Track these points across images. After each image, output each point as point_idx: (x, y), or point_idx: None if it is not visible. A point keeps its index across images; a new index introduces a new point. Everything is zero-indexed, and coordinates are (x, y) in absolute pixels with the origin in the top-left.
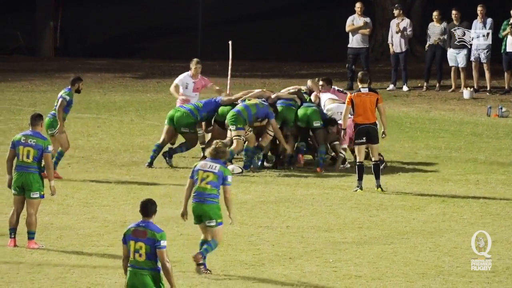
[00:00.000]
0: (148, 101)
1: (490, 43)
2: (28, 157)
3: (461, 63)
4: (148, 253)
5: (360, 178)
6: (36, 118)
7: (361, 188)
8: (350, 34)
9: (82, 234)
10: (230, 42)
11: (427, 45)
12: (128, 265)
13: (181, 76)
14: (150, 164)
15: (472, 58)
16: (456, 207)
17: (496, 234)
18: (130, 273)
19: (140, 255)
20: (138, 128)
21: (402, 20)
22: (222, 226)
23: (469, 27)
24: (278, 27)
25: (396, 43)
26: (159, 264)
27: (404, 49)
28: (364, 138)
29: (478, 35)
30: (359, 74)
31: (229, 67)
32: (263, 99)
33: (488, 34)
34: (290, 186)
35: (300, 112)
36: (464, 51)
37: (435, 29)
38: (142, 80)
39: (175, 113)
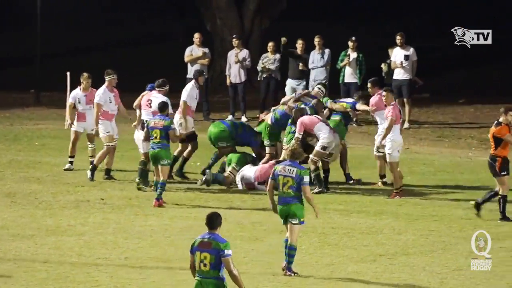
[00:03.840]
0: None
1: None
2: None
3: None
4: (213, 263)
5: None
6: None
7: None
8: (189, 65)
9: None
10: (68, 73)
11: (259, 76)
12: (196, 274)
13: (72, 94)
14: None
15: (310, 89)
16: None
17: (334, 265)
18: (197, 282)
19: (205, 265)
20: None
21: (241, 50)
22: (303, 225)
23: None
24: (116, 59)
25: (235, 74)
26: (223, 273)
27: (243, 80)
28: None
29: (316, 66)
30: None
31: (68, 98)
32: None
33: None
34: (128, 217)
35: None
36: (304, 82)
37: (268, 60)
38: None
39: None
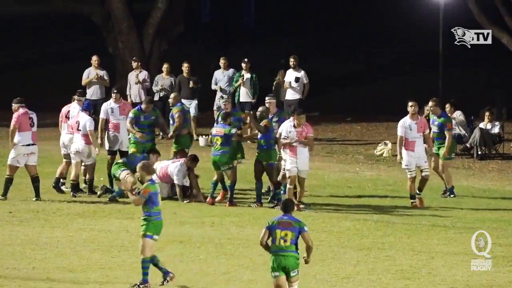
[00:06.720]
0: None
1: None
2: None
3: (193, 112)
4: (293, 239)
5: None
6: None
7: None
8: (87, 86)
9: None
10: None
11: (156, 96)
12: (272, 251)
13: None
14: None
15: (215, 107)
16: (193, 248)
17: (230, 273)
18: (276, 256)
19: (285, 241)
20: None
21: (140, 72)
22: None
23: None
24: (14, 80)
25: (135, 94)
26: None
27: (143, 99)
28: None
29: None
30: None
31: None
32: None
33: None
34: (35, 229)
35: None
36: (196, 101)
37: (164, 81)
38: None
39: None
